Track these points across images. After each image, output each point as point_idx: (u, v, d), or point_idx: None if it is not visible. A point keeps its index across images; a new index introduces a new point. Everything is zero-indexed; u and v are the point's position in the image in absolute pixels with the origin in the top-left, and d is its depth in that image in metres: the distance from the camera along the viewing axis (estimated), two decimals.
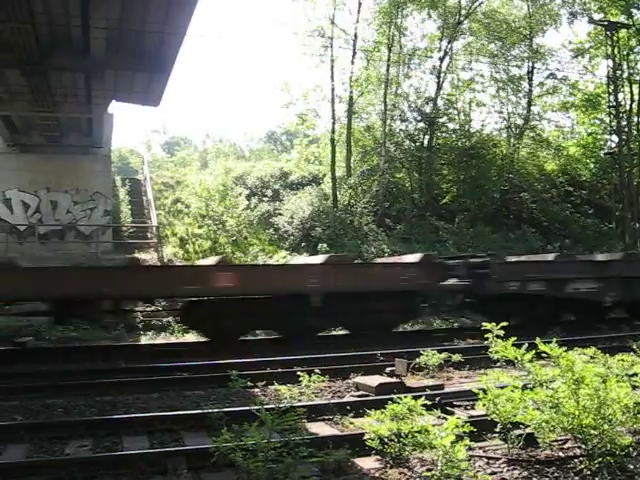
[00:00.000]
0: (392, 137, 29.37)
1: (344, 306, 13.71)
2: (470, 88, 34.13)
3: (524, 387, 5.59)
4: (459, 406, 7.12)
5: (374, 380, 8.44)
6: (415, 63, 31.85)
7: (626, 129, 30.74)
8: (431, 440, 4.83)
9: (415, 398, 5.83)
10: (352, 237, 24.56)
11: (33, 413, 7.51)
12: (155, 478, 5.18)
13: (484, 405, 5.62)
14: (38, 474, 5.15)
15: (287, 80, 33.76)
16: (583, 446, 5.19)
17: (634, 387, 5.89)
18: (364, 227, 25.83)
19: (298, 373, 7.94)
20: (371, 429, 5.44)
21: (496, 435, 5.78)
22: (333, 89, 29.22)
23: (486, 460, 5.32)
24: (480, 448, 5.58)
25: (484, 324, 6.10)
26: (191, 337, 14.88)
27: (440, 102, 31.42)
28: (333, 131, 29.33)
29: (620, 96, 30.36)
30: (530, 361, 5.61)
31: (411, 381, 8.82)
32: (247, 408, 6.19)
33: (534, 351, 5.61)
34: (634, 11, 31.33)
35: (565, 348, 5.36)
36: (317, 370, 8.16)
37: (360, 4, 29.11)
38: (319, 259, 15.11)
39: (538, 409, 5.37)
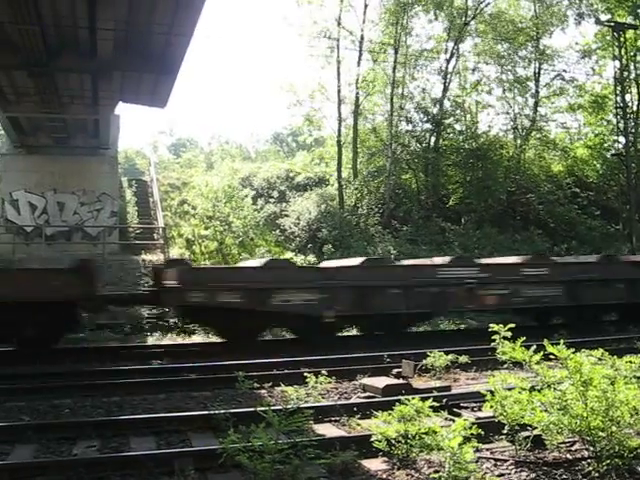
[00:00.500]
0: (398, 138, 29.36)
1: None
2: (477, 89, 34.09)
3: (532, 389, 5.56)
4: (466, 408, 7.10)
5: (381, 381, 8.41)
6: (421, 64, 31.83)
7: (633, 130, 30.65)
8: (438, 442, 4.83)
9: (422, 399, 5.82)
10: (358, 239, 24.54)
11: (40, 414, 7.52)
12: (162, 479, 5.19)
13: (491, 407, 5.60)
14: (45, 474, 5.16)
15: (293, 81, 33.59)
16: (591, 448, 5.17)
17: None
18: (370, 229, 25.81)
19: (305, 374, 7.93)
20: (378, 430, 5.43)
21: (503, 437, 5.76)
22: (339, 90, 29.26)
23: (494, 462, 5.31)
24: (487, 450, 5.57)
25: (491, 325, 6.08)
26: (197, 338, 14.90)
27: (447, 103, 31.47)
28: (339, 132, 29.37)
29: (627, 97, 30.25)
30: (538, 363, 5.59)
31: (418, 382, 8.79)
32: (254, 409, 6.18)
33: (542, 353, 5.59)
34: None
35: (573, 350, 5.33)
36: (324, 371, 8.15)
37: (366, 5, 29.21)
38: None
39: (546, 411, 5.34)
